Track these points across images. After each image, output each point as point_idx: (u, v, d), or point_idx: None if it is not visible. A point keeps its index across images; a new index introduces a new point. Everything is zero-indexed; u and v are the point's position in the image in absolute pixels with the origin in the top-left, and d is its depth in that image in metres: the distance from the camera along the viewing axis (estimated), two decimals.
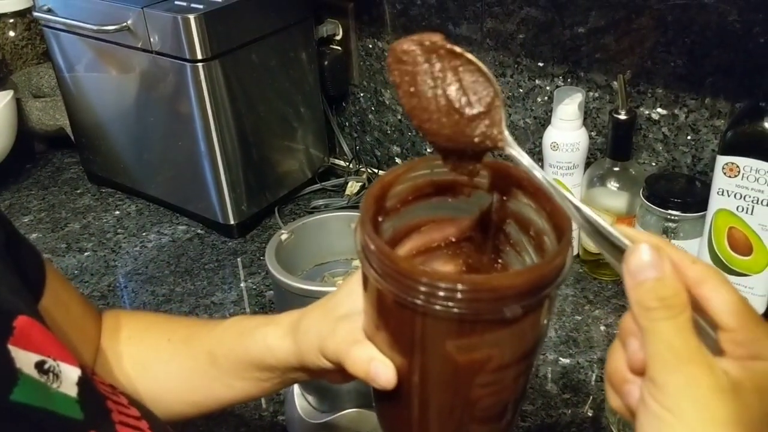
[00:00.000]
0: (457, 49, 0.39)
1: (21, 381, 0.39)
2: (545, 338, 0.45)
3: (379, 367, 0.42)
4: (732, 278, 0.82)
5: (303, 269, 0.78)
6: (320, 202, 1.16)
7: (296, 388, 0.74)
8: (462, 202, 0.47)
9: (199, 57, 0.96)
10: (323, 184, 1.20)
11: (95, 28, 1.02)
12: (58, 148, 1.37)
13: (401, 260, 0.39)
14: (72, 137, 1.26)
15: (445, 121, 0.40)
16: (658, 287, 0.34)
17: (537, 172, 0.39)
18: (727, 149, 0.77)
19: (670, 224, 0.85)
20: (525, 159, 0.40)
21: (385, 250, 0.39)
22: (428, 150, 1.18)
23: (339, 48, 1.17)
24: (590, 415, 0.76)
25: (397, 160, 1.23)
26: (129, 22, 1.00)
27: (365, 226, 0.40)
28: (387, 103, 1.18)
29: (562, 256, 0.39)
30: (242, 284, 1.00)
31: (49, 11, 1.09)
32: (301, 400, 0.73)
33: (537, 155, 1.05)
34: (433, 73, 0.40)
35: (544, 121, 1.02)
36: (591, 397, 0.78)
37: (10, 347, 0.40)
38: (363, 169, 1.23)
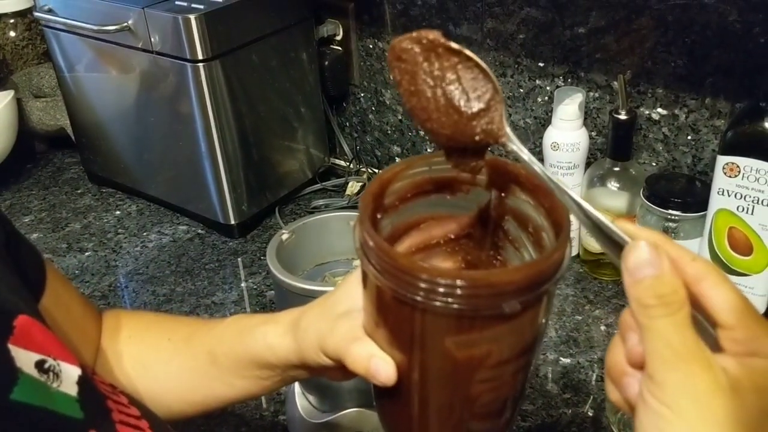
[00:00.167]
0: (455, 47, 0.39)
1: (21, 380, 0.39)
2: (544, 335, 0.45)
3: (379, 363, 0.42)
4: (732, 278, 0.82)
5: (304, 269, 0.78)
6: (321, 202, 1.16)
7: (297, 387, 0.74)
8: (460, 199, 0.47)
9: (200, 57, 0.96)
10: (324, 184, 1.20)
11: (96, 28, 1.03)
12: (58, 148, 1.37)
13: (400, 257, 0.39)
14: (72, 137, 1.26)
15: (446, 120, 0.40)
16: (656, 285, 0.34)
17: (537, 168, 0.39)
18: (728, 149, 0.77)
19: (671, 224, 0.85)
20: (525, 154, 0.40)
21: (383, 247, 0.39)
22: (429, 150, 1.18)
23: (339, 48, 1.17)
24: (591, 414, 0.76)
25: (398, 160, 1.23)
26: (129, 22, 1.00)
27: (364, 223, 0.40)
28: (387, 103, 1.18)
29: (561, 252, 0.39)
30: (243, 284, 1.00)
31: (50, 11, 1.09)
32: (302, 400, 0.73)
33: (537, 155, 1.05)
34: (432, 72, 0.40)
35: (545, 121, 1.02)
36: (591, 397, 0.78)
37: (10, 346, 0.40)
38: (363, 169, 1.23)
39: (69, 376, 0.43)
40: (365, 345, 0.44)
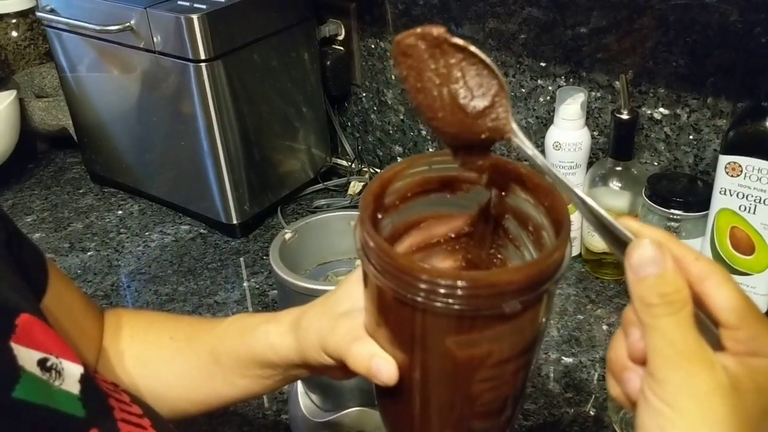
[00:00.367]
0: (460, 43, 0.39)
1: (23, 378, 0.39)
2: (545, 334, 0.45)
3: (380, 363, 0.43)
4: (734, 277, 0.82)
5: (306, 268, 0.78)
6: (322, 201, 1.16)
7: (299, 386, 0.74)
8: (460, 198, 0.47)
9: (202, 57, 0.96)
10: (325, 183, 1.20)
11: (98, 28, 1.03)
12: (60, 148, 1.38)
13: (400, 257, 0.39)
14: (74, 137, 1.26)
15: (451, 119, 0.40)
16: (660, 283, 0.34)
17: (541, 162, 0.39)
18: (730, 149, 0.77)
19: (673, 224, 0.85)
20: (530, 150, 0.39)
21: (384, 247, 0.39)
22: (431, 149, 1.18)
23: (341, 48, 1.17)
24: (592, 414, 0.77)
25: (399, 159, 1.23)
26: (132, 22, 1.00)
27: (364, 223, 0.40)
28: (389, 102, 1.19)
29: (560, 252, 0.39)
30: (245, 284, 1.01)
31: (52, 11, 1.10)
32: (304, 399, 0.73)
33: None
34: (438, 70, 0.39)
35: (547, 121, 1.03)
36: (593, 396, 0.78)
37: (13, 345, 0.40)
38: (365, 169, 1.23)
39: (71, 374, 0.43)
40: (366, 344, 0.44)
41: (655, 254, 0.34)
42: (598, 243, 0.94)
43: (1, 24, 1.32)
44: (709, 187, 0.82)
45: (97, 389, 0.46)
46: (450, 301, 0.37)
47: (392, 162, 1.23)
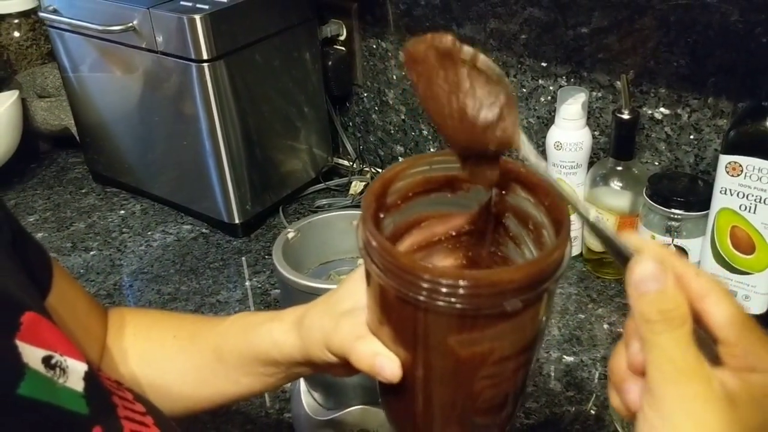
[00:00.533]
0: (470, 53, 0.39)
1: (28, 375, 0.39)
2: (545, 332, 0.45)
3: (384, 361, 0.43)
4: (735, 277, 0.83)
5: (308, 267, 0.78)
6: (324, 201, 1.17)
7: (302, 385, 0.74)
8: (461, 197, 0.47)
9: (205, 57, 0.97)
10: (327, 183, 1.20)
11: (101, 28, 1.03)
12: (62, 148, 1.38)
13: (402, 256, 0.39)
14: (77, 137, 1.26)
15: (460, 128, 0.41)
16: (660, 300, 0.34)
17: (544, 171, 0.40)
18: (730, 148, 0.78)
19: (673, 223, 0.85)
20: (534, 158, 0.40)
21: (386, 247, 0.39)
22: (432, 149, 1.18)
23: (343, 48, 1.18)
24: (593, 412, 0.77)
25: (401, 159, 1.23)
26: (134, 22, 1.00)
27: (367, 222, 0.41)
28: (390, 103, 1.19)
29: (561, 250, 0.39)
30: (247, 283, 1.01)
31: (55, 11, 1.10)
32: (307, 397, 0.74)
33: (540, 155, 1.06)
34: (448, 79, 0.40)
35: (548, 121, 1.03)
36: (594, 395, 0.79)
37: (18, 342, 0.40)
38: (366, 169, 1.23)
39: (75, 371, 0.43)
40: (370, 343, 0.45)
41: (656, 271, 0.35)
42: (599, 243, 0.95)
43: (4, 24, 1.32)
44: (709, 186, 0.82)
45: (101, 387, 0.46)
46: (452, 300, 0.37)
47: (393, 162, 1.24)
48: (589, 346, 0.86)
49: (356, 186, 1.18)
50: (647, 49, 0.91)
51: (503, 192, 0.46)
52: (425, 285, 0.38)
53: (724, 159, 0.78)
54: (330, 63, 1.16)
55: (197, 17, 0.94)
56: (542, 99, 1.03)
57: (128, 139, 1.16)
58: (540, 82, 1.02)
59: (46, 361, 0.41)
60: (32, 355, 0.41)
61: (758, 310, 0.83)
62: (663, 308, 0.34)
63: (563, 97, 0.92)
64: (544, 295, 0.40)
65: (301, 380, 0.74)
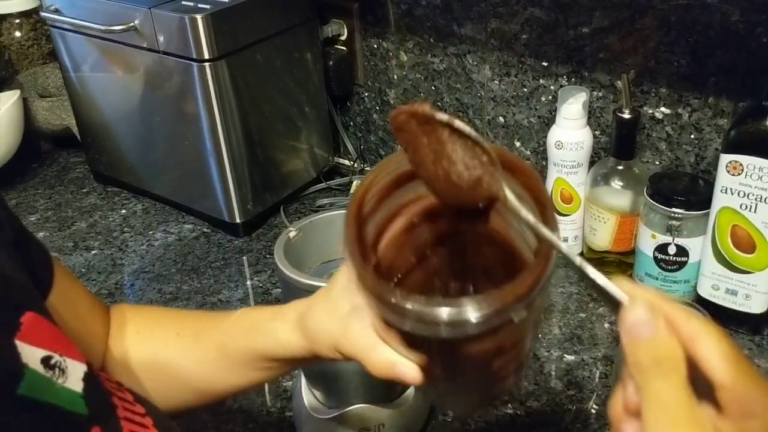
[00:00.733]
0: (445, 119, 0.40)
1: (27, 375, 0.39)
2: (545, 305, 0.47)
3: (403, 369, 0.45)
4: (735, 276, 0.83)
5: (310, 266, 0.78)
6: (325, 201, 1.17)
7: (303, 383, 0.75)
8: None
9: (206, 57, 0.97)
10: (328, 183, 1.21)
11: (102, 28, 1.03)
12: (64, 148, 1.38)
13: (403, 308, 0.39)
14: (78, 137, 1.27)
15: (448, 190, 0.43)
16: (652, 346, 0.34)
17: (533, 222, 0.40)
18: (731, 148, 0.78)
19: (674, 222, 0.86)
20: (521, 211, 0.41)
21: (385, 298, 0.39)
22: None
23: (344, 48, 1.18)
24: (594, 411, 0.77)
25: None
26: (136, 22, 1.00)
27: (356, 263, 0.41)
28: (391, 102, 1.19)
29: (551, 254, 0.40)
30: (248, 282, 1.01)
31: (56, 11, 1.10)
32: (308, 396, 0.74)
33: (541, 154, 1.06)
34: (431, 145, 0.41)
35: (549, 121, 1.03)
36: (595, 394, 0.79)
37: (17, 342, 0.40)
38: (367, 168, 1.23)
39: (75, 372, 0.43)
40: (384, 352, 0.46)
41: (648, 317, 0.35)
42: (599, 242, 0.95)
43: (5, 24, 1.32)
44: (710, 186, 0.83)
45: (101, 388, 0.46)
46: (458, 332, 0.38)
47: None
48: (589, 345, 0.86)
49: (357, 185, 1.18)
50: (648, 48, 0.91)
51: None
52: (434, 329, 0.38)
53: (725, 158, 0.78)
54: (331, 63, 1.16)
55: (199, 17, 0.94)
56: (543, 98, 1.03)
57: (129, 138, 1.16)
58: (541, 81, 1.02)
59: (46, 361, 0.41)
60: (31, 355, 0.41)
61: (758, 309, 0.84)
62: (655, 354, 0.34)
63: (564, 96, 0.92)
64: (545, 287, 0.41)
65: (303, 379, 0.75)
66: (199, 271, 1.03)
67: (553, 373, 0.82)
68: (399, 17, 1.11)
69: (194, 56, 0.97)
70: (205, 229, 1.13)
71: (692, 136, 0.93)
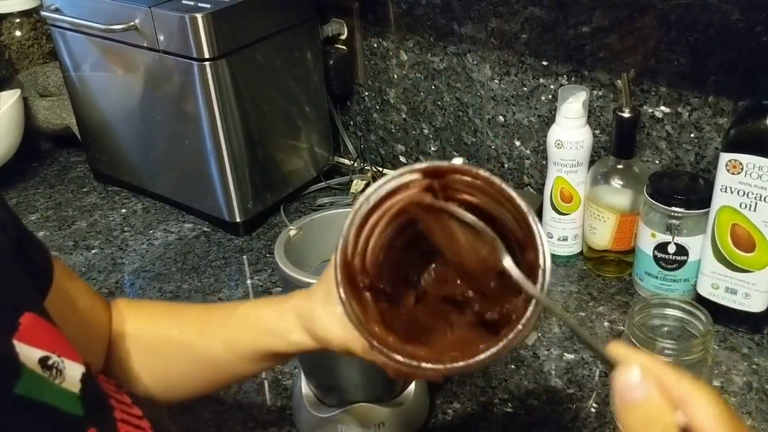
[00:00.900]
0: (449, 209, 0.45)
1: (24, 375, 0.40)
2: None
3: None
4: (735, 275, 0.83)
5: (310, 265, 0.78)
6: (325, 200, 1.17)
7: (303, 382, 0.75)
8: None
9: (207, 56, 0.97)
10: (328, 182, 1.21)
11: (103, 27, 1.03)
12: (64, 147, 1.38)
13: (381, 349, 0.45)
14: (78, 136, 1.27)
15: (453, 257, 0.48)
16: (644, 409, 0.35)
17: (531, 291, 0.42)
18: (731, 146, 0.78)
19: (674, 221, 0.86)
20: (521, 280, 0.43)
21: (368, 340, 0.45)
22: (432, 149, 1.18)
23: (344, 47, 1.18)
24: (594, 410, 0.77)
25: (402, 158, 1.23)
26: (136, 21, 1.00)
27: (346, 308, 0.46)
28: (391, 102, 1.19)
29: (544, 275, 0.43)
30: (248, 281, 1.01)
31: (57, 11, 1.10)
32: (308, 395, 0.74)
33: (541, 153, 1.06)
34: (442, 230, 0.46)
35: (549, 120, 1.03)
36: (595, 393, 0.79)
37: (15, 342, 0.40)
38: (368, 168, 1.23)
39: (73, 373, 0.44)
40: None
41: (640, 380, 0.35)
42: (599, 241, 0.95)
43: (5, 23, 1.33)
44: (710, 184, 0.83)
45: (98, 389, 0.46)
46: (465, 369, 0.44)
47: (395, 160, 1.24)
48: None
49: (357, 185, 1.18)
50: (648, 48, 0.91)
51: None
52: (415, 370, 0.44)
53: (725, 157, 0.78)
54: (331, 62, 1.16)
55: (199, 16, 0.94)
56: (543, 98, 1.03)
57: (130, 138, 1.17)
58: (541, 80, 1.02)
59: (43, 361, 0.42)
60: (29, 355, 0.41)
61: (758, 308, 0.84)
62: (646, 417, 0.35)
63: (564, 95, 0.92)
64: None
65: (303, 377, 0.75)
66: (200, 270, 1.03)
67: (553, 372, 0.82)
68: (399, 16, 1.11)
69: (194, 55, 0.97)
70: (205, 229, 1.13)
71: (692, 135, 0.93)
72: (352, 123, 1.26)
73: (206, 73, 0.98)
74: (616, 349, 0.38)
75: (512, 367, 0.83)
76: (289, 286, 0.70)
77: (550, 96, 1.02)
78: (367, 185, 1.18)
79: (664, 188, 0.86)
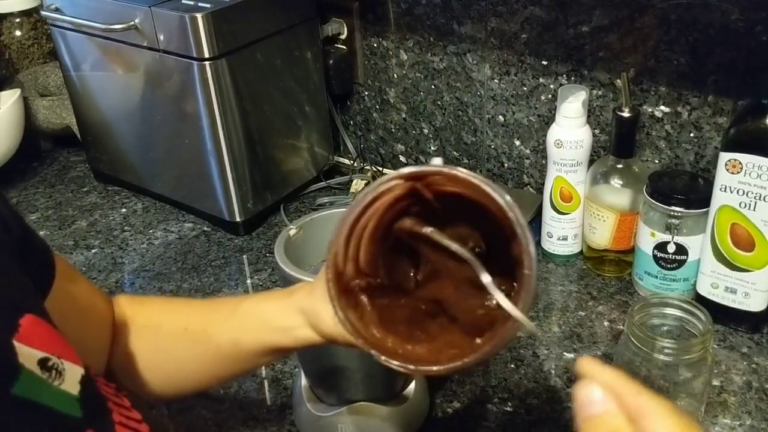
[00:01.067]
0: (429, 235, 0.47)
1: (23, 376, 0.40)
2: None
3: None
4: (734, 274, 0.83)
5: (310, 264, 0.78)
6: (325, 199, 1.17)
7: (303, 381, 0.75)
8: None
9: (207, 55, 0.97)
10: (328, 182, 1.21)
11: (103, 27, 1.03)
12: (64, 147, 1.38)
13: (368, 352, 0.46)
14: (78, 136, 1.27)
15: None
16: (602, 423, 0.36)
17: (502, 299, 0.43)
18: (730, 146, 0.78)
19: (674, 220, 0.86)
20: (498, 296, 0.44)
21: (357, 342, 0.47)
22: (432, 149, 1.19)
23: (344, 47, 1.18)
24: None
25: (402, 158, 1.24)
26: (136, 21, 1.00)
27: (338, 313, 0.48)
28: (391, 101, 1.19)
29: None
30: (248, 281, 1.01)
31: (57, 10, 1.10)
32: (308, 394, 0.74)
33: (541, 153, 1.06)
34: (427, 248, 0.48)
35: (548, 119, 1.03)
36: None
37: (15, 343, 0.40)
38: (367, 167, 1.24)
39: (72, 375, 0.44)
40: None
41: (599, 394, 0.37)
42: (599, 240, 0.95)
43: (5, 23, 1.33)
44: (709, 184, 0.83)
45: (97, 392, 0.46)
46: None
47: (394, 160, 1.24)
48: (589, 343, 0.86)
49: (357, 184, 1.18)
50: (648, 47, 0.92)
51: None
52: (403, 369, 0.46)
53: (724, 156, 0.78)
54: (331, 62, 1.17)
55: (199, 16, 0.95)
56: (543, 97, 1.03)
57: (130, 137, 1.17)
58: (541, 80, 1.02)
59: (43, 362, 0.42)
60: (29, 356, 0.41)
61: (757, 308, 0.84)
62: (603, 430, 0.36)
63: (564, 95, 0.92)
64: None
65: (303, 376, 0.75)
66: (200, 270, 1.03)
67: (553, 371, 0.82)
68: (399, 16, 1.11)
69: (194, 55, 0.97)
70: (205, 228, 1.13)
71: (692, 135, 0.93)
72: (352, 122, 1.26)
73: (206, 73, 0.98)
74: (583, 364, 0.39)
75: (512, 366, 0.83)
76: (290, 284, 0.70)
77: (549, 95, 1.02)
78: (367, 185, 1.18)
79: (663, 188, 0.86)
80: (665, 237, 0.87)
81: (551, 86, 1.01)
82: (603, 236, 0.94)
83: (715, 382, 0.79)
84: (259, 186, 1.11)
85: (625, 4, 0.91)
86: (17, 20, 1.33)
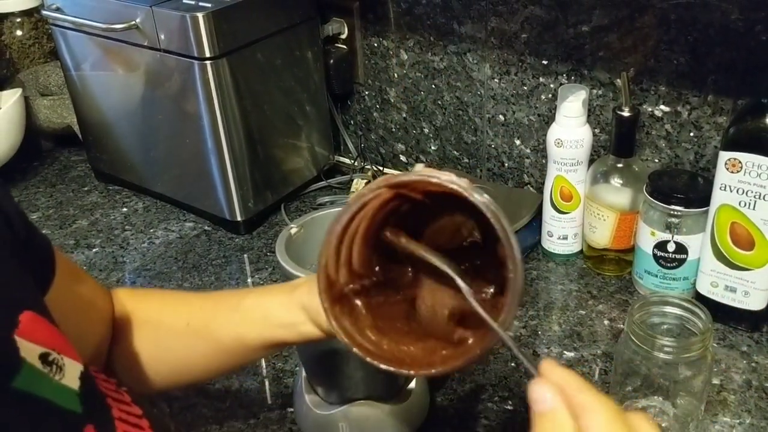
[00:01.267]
0: (414, 252, 0.48)
1: (24, 369, 0.40)
2: None
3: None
4: (734, 273, 0.83)
5: (311, 263, 0.78)
6: (326, 199, 1.17)
7: (304, 380, 0.75)
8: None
9: (207, 55, 0.97)
10: (329, 181, 1.21)
11: (103, 26, 1.04)
12: (65, 146, 1.38)
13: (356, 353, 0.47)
14: (79, 135, 1.27)
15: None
16: (549, 420, 0.40)
17: (475, 306, 0.45)
18: (730, 145, 0.78)
19: (673, 220, 0.86)
20: (479, 310, 0.45)
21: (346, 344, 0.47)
22: (432, 148, 1.19)
23: (344, 47, 1.18)
24: None
25: (402, 157, 1.24)
26: (137, 20, 1.01)
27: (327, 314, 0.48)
28: (392, 101, 1.19)
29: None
30: (249, 280, 1.01)
31: (58, 10, 1.10)
32: (309, 392, 0.74)
33: (541, 152, 1.06)
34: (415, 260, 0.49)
35: (548, 119, 1.03)
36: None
37: (16, 338, 0.41)
38: (368, 167, 1.24)
39: (72, 370, 0.44)
40: None
41: (548, 392, 0.40)
42: (599, 239, 0.95)
43: (6, 23, 1.33)
44: (709, 183, 0.83)
45: (97, 387, 0.46)
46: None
47: (395, 160, 1.24)
48: (589, 342, 0.86)
49: (357, 184, 1.18)
50: (647, 47, 0.92)
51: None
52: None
53: (724, 156, 0.79)
54: (331, 61, 1.17)
55: (200, 15, 0.95)
56: (543, 97, 1.03)
57: (131, 137, 1.17)
58: (541, 80, 1.02)
59: (44, 357, 0.42)
60: (30, 350, 0.41)
61: (757, 306, 0.84)
62: (552, 426, 0.39)
63: (564, 94, 0.92)
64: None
65: (303, 375, 0.75)
66: (200, 269, 1.04)
67: None
68: (399, 16, 1.11)
69: (195, 54, 0.98)
70: (206, 227, 1.14)
71: (691, 134, 0.94)
72: (352, 122, 1.26)
73: (207, 73, 0.98)
74: (544, 364, 0.42)
75: (512, 364, 0.83)
76: None
77: (549, 95, 1.02)
78: (368, 184, 1.18)
79: (663, 187, 0.86)
80: (665, 236, 0.87)
81: (551, 86, 1.02)
82: (603, 235, 0.95)
83: (715, 381, 0.79)
84: (260, 185, 1.11)
85: (625, 4, 0.91)
86: (18, 20, 1.33)
